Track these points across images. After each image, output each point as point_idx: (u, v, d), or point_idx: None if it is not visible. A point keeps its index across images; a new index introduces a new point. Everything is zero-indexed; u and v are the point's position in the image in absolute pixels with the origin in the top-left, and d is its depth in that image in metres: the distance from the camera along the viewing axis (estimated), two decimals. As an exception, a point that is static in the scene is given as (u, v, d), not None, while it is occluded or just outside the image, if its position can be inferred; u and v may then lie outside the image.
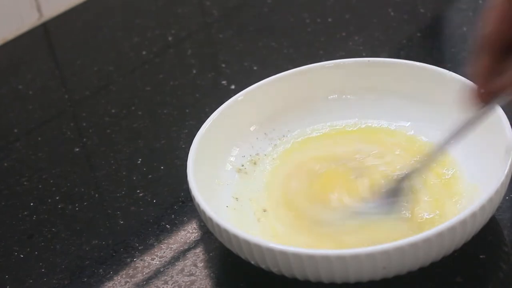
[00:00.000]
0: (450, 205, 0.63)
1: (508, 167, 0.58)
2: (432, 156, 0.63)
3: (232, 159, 0.70)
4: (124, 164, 0.77)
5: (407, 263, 0.56)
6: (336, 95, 0.73)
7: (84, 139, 0.82)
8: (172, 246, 0.67)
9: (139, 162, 0.76)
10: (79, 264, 0.67)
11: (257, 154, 0.71)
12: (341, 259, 0.55)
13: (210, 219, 0.59)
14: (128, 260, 0.66)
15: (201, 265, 0.64)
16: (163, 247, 0.67)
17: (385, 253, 0.54)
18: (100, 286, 0.64)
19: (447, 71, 0.69)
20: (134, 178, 0.75)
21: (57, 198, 0.74)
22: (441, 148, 0.63)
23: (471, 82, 0.58)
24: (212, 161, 0.67)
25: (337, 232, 0.62)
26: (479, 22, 0.57)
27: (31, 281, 0.66)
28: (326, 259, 0.55)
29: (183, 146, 0.77)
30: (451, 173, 0.65)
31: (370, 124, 0.72)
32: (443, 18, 0.94)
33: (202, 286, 0.62)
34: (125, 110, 0.85)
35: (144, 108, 0.84)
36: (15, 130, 0.85)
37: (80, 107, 0.87)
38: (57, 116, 0.86)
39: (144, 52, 0.94)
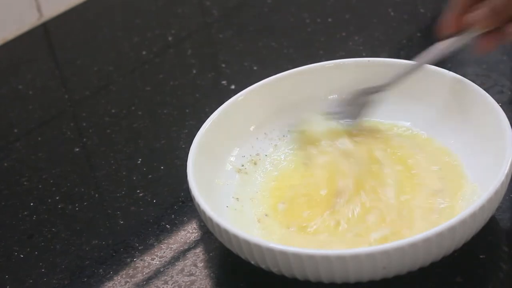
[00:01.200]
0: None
1: (508, 167, 0.58)
2: (399, 76, 0.68)
3: (232, 159, 0.70)
4: (124, 164, 0.77)
5: (407, 263, 0.56)
6: (336, 95, 0.73)
7: (84, 139, 0.82)
8: (172, 246, 0.67)
9: (139, 162, 0.76)
10: (79, 264, 0.67)
11: (257, 154, 0.71)
12: (341, 259, 0.55)
13: (210, 219, 0.59)
14: (128, 260, 0.66)
15: (201, 265, 0.64)
16: (163, 247, 0.67)
17: (385, 253, 0.54)
18: (100, 286, 0.64)
19: (447, 71, 0.69)
20: (134, 178, 0.75)
21: (57, 198, 0.74)
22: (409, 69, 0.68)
23: (447, 11, 0.64)
24: (212, 161, 0.67)
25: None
26: None
27: (31, 281, 0.66)
28: (326, 259, 0.55)
29: (183, 146, 0.77)
30: (451, 172, 0.66)
31: (370, 124, 0.72)
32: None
33: (202, 286, 0.62)
34: (125, 110, 0.85)
35: (144, 108, 0.84)
36: (15, 130, 0.85)
37: (80, 107, 0.87)
38: (57, 116, 0.86)
39: (144, 52, 0.94)
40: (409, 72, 0.68)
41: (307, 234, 0.62)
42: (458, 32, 0.65)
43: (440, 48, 0.66)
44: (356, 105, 0.70)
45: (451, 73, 0.69)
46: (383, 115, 0.72)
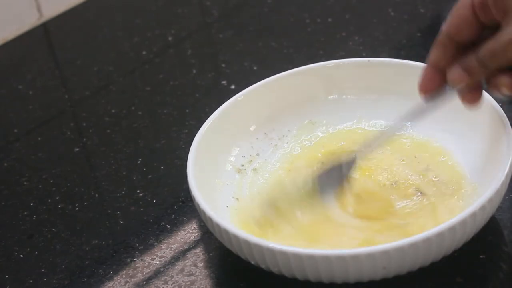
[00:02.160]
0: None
1: (508, 167, 0.58)
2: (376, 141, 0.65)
3: (232, 159, 0.70)
4: (124, 164, 0.77)
5: (407, 263, 0.56)
6: (336, 95, 0.74)
7: (84, 139, 0.82)
8: (172, 246, 0.67)
9: (139, 162, 0.76)
10: (79, 264, 0.67)
11: (257, 154, 0.71)
12: (341, 259, 0.55)
13: (210, 219, 0.59)
14: (128, 260, 0.66)
15: (201, 265, 0.64)
16: (163, 247, 0.67)
17: (385, 253, 0.54)
18: (100, 286, 0.64)
19: (447, 71, 0.69)
20: (134, 178, 0.75)
21: (57, 198, 0.74)
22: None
23: (425, 67, 0.61)
24: (212, 161, 0.67)
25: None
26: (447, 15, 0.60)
27: (31, 281, 0.66)
28: (326, 259, 0.55)
29: (183, 146, 0.77)
30: (450, 172, 0.66)
31: (370, 124, 0.72)
32: (443, 18, 0.94)
33: (202, 286, 0.62)
34: (125, 110, 0.85)
35: (144, 108, 0.84)
36: (15, 130, 0.85)
37: (80, 107, 0.87)
38: (57, 116, 0.86)
39: (144, 52, 0.94)
40: (388, 137, 0.65)
41: (308, 235, 0.62)
42: (439, 87, 0.60)
43: (423, 107, 0.62)
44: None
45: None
46: (383, 116, 0.72)
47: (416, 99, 0.70)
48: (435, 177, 0.65)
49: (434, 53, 0.60)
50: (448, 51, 0.59)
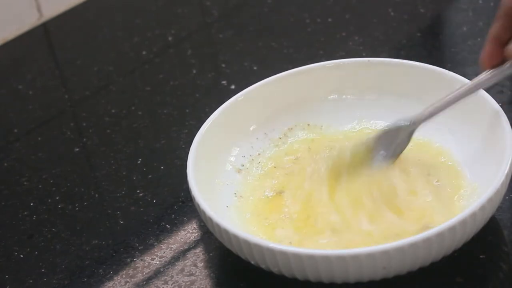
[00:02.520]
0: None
1: (508, 167, 0.58)
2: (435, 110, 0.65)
3: (232, 159, 0.70)
4: (124, 164, 0.77)
5: (407, 263, 0.56)
6: (336, 95, 0.74)
7: (84, 139, 0.82)
8: (172, 246, 0.67)
9: (139, 162, 0.76)
10: (79, 264, 0.67)
11: (258, 154, 0.71)
12: (341, 259, 0.55)
13: (210, 219, 0.59)
14: (128, 260, 0.66)
15: (201, 265, 0.64)
16: (163, 247, 0.67)
17: (385, 253, 0.54)
18: (100, 286, 0.64)
19: (447, 71, 0.69)
20: (134, 178, 0.75)
21: (57, 198, 0.74)
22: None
23: (487, 43, 0.62)
24: (212, 161, 0.67)
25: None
26: None
27: (31, 281, 0.66)
28: (326, 259, 0.55)
29: (183, 146, 0.77)
30: (450, 172, 0.65)
31: (370, 124, 0.72)
32: (443, 18, 0.94)
33: (202, 286, 0.62)
34: (125, 110, 0.85)
35: (144, 108, 0.84)
36: (15, 130, 0.85)
37: (80, 107, 0.87)
38: (57, 116, 0.86)
39: (144, 52, 0.94)
40: (446, 105, 0.64)
41: (307, 235, 0.62)
42: (500, 63, 0.62)
43: (482, 79, 0.63)
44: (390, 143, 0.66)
45: (451, 73, 0.69)
46: (383, 116, 0.72)
47: (416, 99, 0.70)
48: (436, 181, 0.65)
49: (495, 27, 0.61)
50: (508, 24, 0.60)
